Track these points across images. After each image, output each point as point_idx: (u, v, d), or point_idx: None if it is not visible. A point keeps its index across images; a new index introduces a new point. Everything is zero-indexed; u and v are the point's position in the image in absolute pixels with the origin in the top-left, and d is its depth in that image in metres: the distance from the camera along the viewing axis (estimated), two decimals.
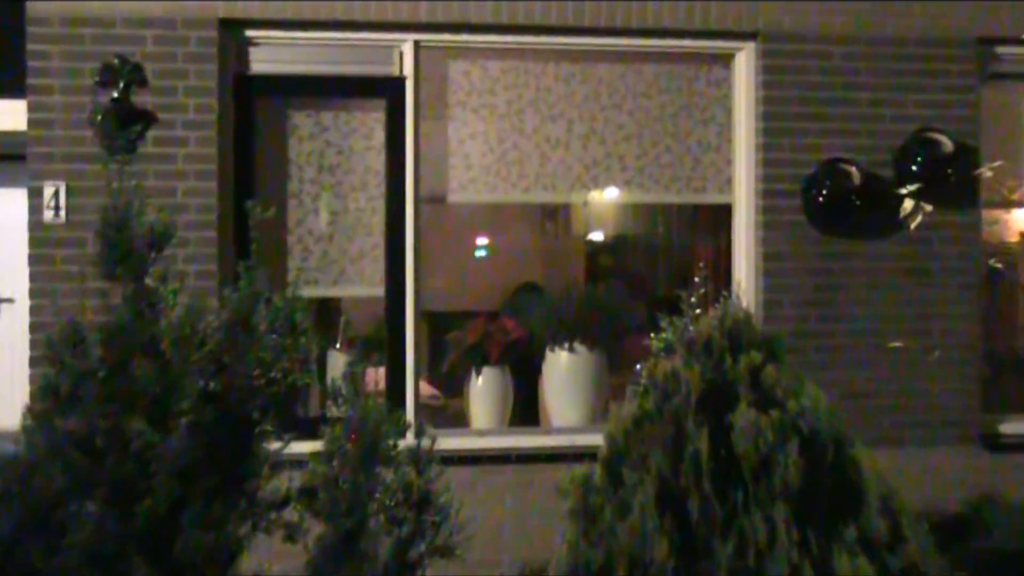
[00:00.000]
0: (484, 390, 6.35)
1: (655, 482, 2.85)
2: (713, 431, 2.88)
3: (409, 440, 3.49)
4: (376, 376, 5.90)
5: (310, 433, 3.52)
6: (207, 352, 3.34)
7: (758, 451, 2.82)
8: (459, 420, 6.42)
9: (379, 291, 6.01)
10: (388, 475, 3.34)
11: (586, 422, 6.23)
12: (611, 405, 3.21)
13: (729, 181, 6.30)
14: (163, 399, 3.29)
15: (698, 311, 4.35)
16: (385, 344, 5.96)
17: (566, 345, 6.29)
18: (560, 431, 6.15)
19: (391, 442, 3.34)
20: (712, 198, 6.35)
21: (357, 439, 3.29)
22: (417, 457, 3.39)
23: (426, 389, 6.52)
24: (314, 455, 3.40)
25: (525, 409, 6.49)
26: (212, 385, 3.34)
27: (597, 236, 8.85)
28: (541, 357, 6.38)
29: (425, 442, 3.43)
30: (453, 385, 6.59)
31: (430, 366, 6.69)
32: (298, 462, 3.47)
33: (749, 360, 2.94)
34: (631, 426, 2.94)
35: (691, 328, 4.08)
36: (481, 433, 6.14)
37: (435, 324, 6.92)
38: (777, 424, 2.85)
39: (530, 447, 5.99)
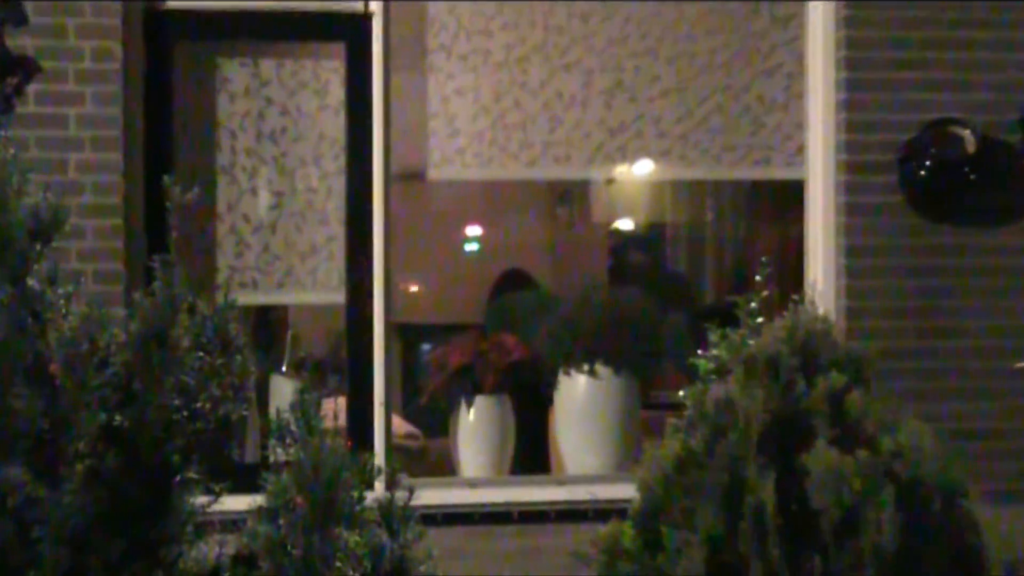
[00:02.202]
0: (477, 427, 6.36)
1: (704, 546, 2.86)
2: (781, 478, 2.89)
3: (378, 492, 3.50)
4: (335, 408, 5.90)
5: (247, 484, 3.53)
6: (110, 376, 3.34)
7: (841, 504, 2.83)
8: (444, 467, 6.42)
9: (337, 297, 6.03)
10: (351, 538, 3.35)
11: (610, 468, 6.25)
12: (645, 445, 3.23)
13: (800, 150, 6.30)
14: (51, 438, 3.29)
15: (759, 320, 4.36)
16: (346, 367, 5.96)
17: (584, 367, 6.30)
18: (577, 480, 6.15)
19: (355, 494, 3.36)
20: (778, 173, 6.36)
21: (310, 491, 3.30)
22: (389, 514, 3.41)
23: (400, 426, 6.54)
24: (254, 512, 3.41)
25: (531, 452, 6.52)
26: (117, 419, 3.34)
27: (624, 224, 8.88)
28: (551, 384, 6.40)
29: (400, 494, 3.44)
30: (436, 421, 6.61)
31: (405, 396, 6.73)
32: (232, 521, 3.47)
33: (829, 384, 2.95)
34: (673, 472, 2.96)
35: (751, 343, 4.08)
36: (473, 484, 6.15)
37: (411, 340, 6.95)
38: (867, 468, 2.86)
39: (537, 501, 6.00)
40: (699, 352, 4.58)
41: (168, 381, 3.36)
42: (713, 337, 4.42)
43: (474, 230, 9.11)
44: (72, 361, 3.28)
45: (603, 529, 3.04)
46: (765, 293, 4.47)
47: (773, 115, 6.34)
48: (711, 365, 4.37)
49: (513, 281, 7.71)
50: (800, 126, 6.31)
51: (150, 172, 5.79)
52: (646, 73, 6.29)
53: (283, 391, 6.11)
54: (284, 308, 6.58)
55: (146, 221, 5.75)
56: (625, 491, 5.94)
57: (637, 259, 8.81)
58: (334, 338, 6.17)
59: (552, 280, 8.48)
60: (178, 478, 3.37)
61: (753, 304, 4.41)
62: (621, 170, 6.61)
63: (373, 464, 3.43)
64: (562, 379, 6.38)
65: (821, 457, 2.87)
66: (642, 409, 6.42)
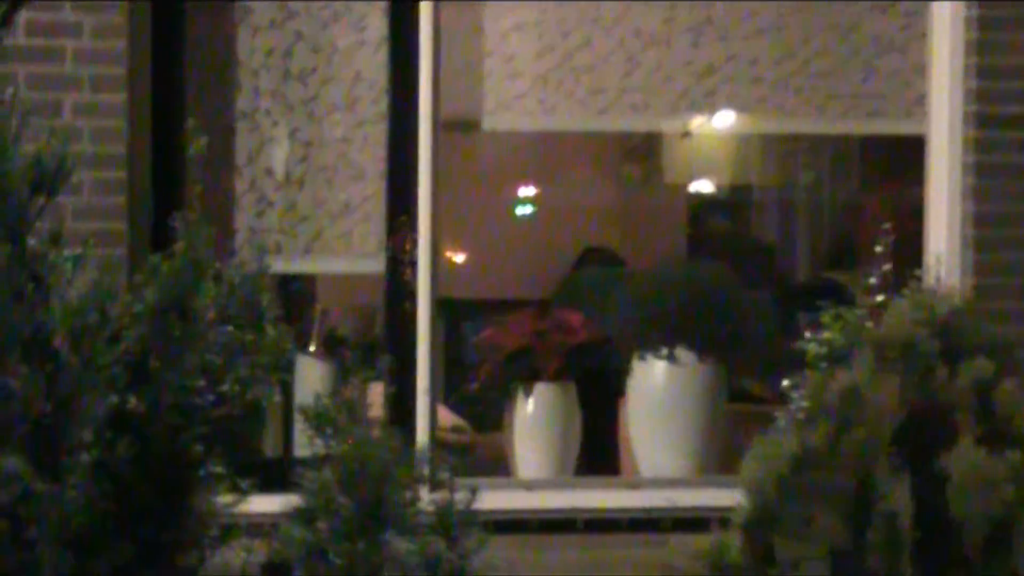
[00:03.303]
0: (536, 420, 6.34)
1: (825, 560, 2.84)
2: (917, 482, 2.87)
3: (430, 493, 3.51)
4: (370, 398, 5.92)
5: (275, 481, 3.54)
6: (122, 352, 3.35)
7: (989, 514, 2.81)
8: (496, 466, 6.42)
9: (374, 266, 6.02)
10: (402, 545, 3.35)
11: (692, 471, 6.24)
12: (754, 439, 3.21)
13: (921, 100, 6.25)
14: (52, 424, 3.31)
15: (880, 299, 4.34)
16: (384, 349, 5.95)
17: (663, 352, 6.27)
18: (653, 484, 6.15)
19: (407, 495, 3.36)
20: (893, 126, 6.32)
21: (355, 490, 3.30)
22: (447, 518, 3.40)
23: (445, 418, 6.53)
24: (287, 514, 3.42)
25: (598, 450, 6.50)
26: (129, 403, 3.35)
27: (707, 186, 8.84)
28: (624, 370, 6.38)
29: (461, 496, 3.43)
30: (487, 412, 6.60)
31: (451, 383, 6.71)
32: (258, 525, 3.48)
33: (975, 373, 2.93)
34: (788, 473, 2.94)
35: (868, 324, 4.05)
36: (530, 486, 6.13)
37: (459, 318, 6.93)
38: (1019, 472, 2.82)
39: (606, 508, 5.98)
40: (807, 334, 4.57)
41: (189, 359, 3.39)
42: (825, 318, 4.40)
43: (534, 190, 9.08)
44: (78, 334, 3.31)
45: (705, 540, 3.01)
46: (887, 267, 4.44)
47: (889, 58, 6.28)
48: (823, 350, 4.36)
49: (594, 259, 7.67)
50: (921, 71, 6.25)
51: (158, 117, 5.80)
52: (739, 7, 6.25)
53: (310, 375, 6.11)
54: (311, 278, 6.56)
55: (153, 175, 5.76)
56: (709, 497, 6.03)
57: (721, 227, 8.78)
58: (370, 315, 6.15)
59: (625, 250, 8.44)
60: (201, 472, 3.40)
61: (872, 280, 4.39)
62: (707, 121, 6.58)
63: (437, 459, 3.42)
64: (636, 365, 6.34)
65: (965, 458, 2.86)
66: (729, 400, 6.41)
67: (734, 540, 3.01)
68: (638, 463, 6.37)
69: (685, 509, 5.80)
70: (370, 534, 3.31)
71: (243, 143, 6.03)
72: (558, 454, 6.34)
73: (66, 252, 3.41)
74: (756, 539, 2.96)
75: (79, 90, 5.70)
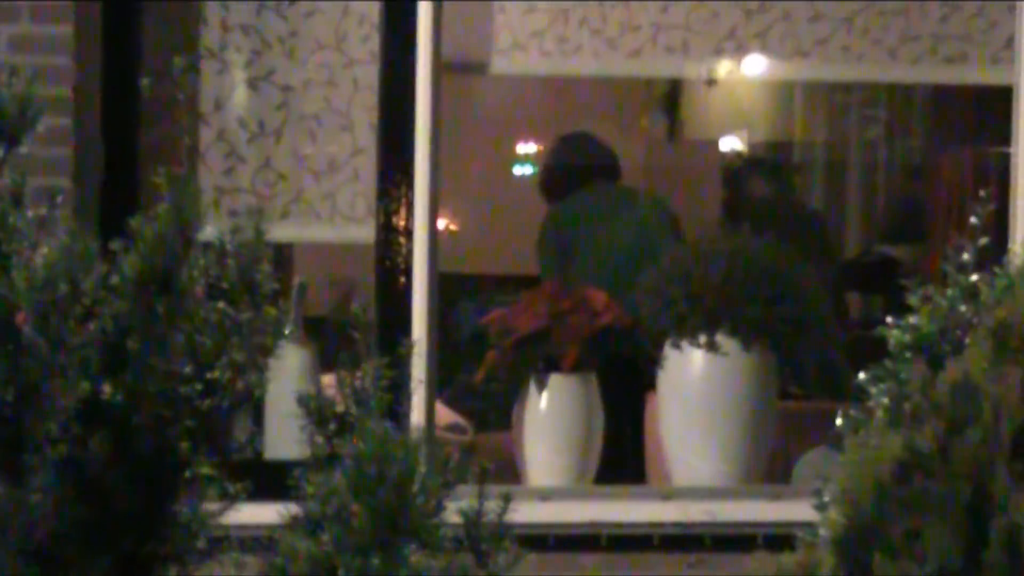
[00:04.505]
0: (551, 418, 6.36)
1: None
2: None
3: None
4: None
5: (264, 488, 3.55)
6: (97, 332, 3.36)
7: None
8: (502, 472, 6.41)
9: (363, 234, 6.06)
10: (424, 560, 3.37)
11: (736, 479, 6.27)
12: (849, 444, 3.23)
13: (1009, 44, 6.28)
14: (14, 416, 3.32)
15: (974, 278, 4.35)
16: (373, 331, 5.97)
17: (702, 339, 6.28)
18: (690, 494, 6.18)
19: (430, 502, 3.37)
20: (976, 75, 6.39)
21: (371, 495, 3.32)
22: (475, 530, 3.42)
23: (442, 414, 6.54)
24: (287, 523, 3.43)
25: (623, 453, 6.54)
26: (105, 391, 3.36)
27: (748, 143, 8.88)
28: (655, 360, 6.38)
29: (491, 505, 3.44)
30: (491, 408, 6.62)
31: (447, 373, 6.72)
32: (253, 539, 3.49)
33: None
34: (891, 481, 2.95)
35: (963, 308, 4.07)
36: (546, 495, 6.16)
37: (462, 296, 6.95)
38: None
39: (635, 522, 6.02)
40: (888, 320, 4.58)
41: (175, 340, 3.39)
42: (913, 300, 4.41)
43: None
44: (45, 311, 3.31)
45: (792, 557, 3.04)
46: (984, 241, 4.45)
47: None
48: (905, 337, 4.36)
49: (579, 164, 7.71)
50: (1010, 9, 6.28)
51: (109, 54, 5.80)
52: None
53: (288, 363, 6.11)
54: (288, 247, 6.57)
55: (103, 121, 5.78)
56: (756, 510, 6.08)
57: (765, 191, 8.78)
58: (346, 289, 6.17)
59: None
60: (187, 474, 3.41)
61: (966, 256, 4.39)
62: (750, 66, 6.59)
63: (479, 463, 3.44)
64: (670, 354, 6.33)
65: None
66: (780, 396, 6.47)
67: (826, 558, 3.03)
68: (670, 470, 6.38)
69: (728, 524, 5.84)
70: (387, 547, 3.32)
71: (209, 87, 6.06)
72: (577, 458, 6.34)
73: (30, 214, 3.42)
74: (852, 557, 2.97)
75: (16, 21, 5.71)
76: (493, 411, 6.62)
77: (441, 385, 7.13)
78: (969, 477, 2.88)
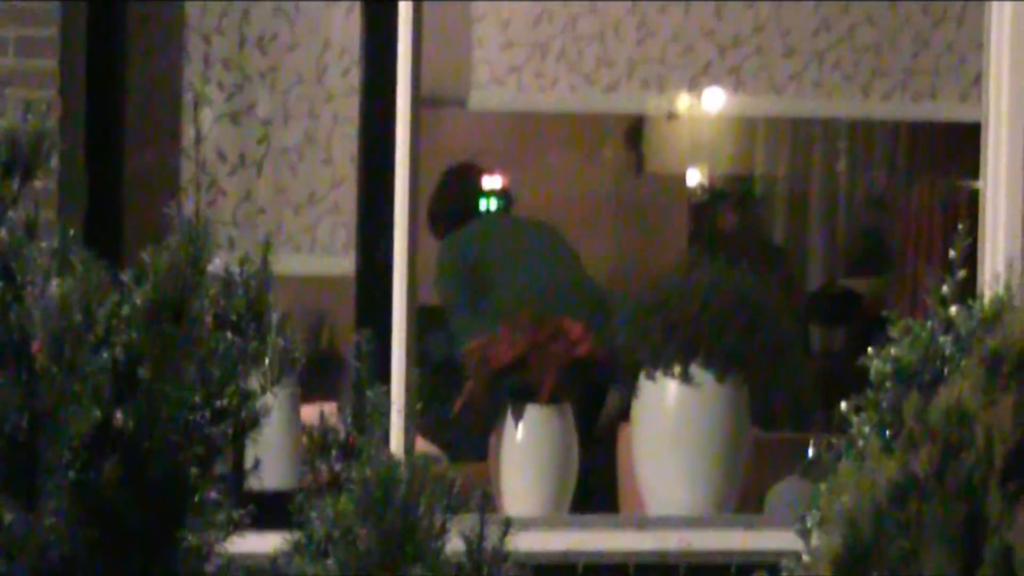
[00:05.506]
0: (527, 448, 6.37)
1: None
2: None
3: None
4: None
5: (263, 517, 3.57)
6: (108, 360, 3.39)
7: None
8: (478, 502, 6.43)
9: (343, 266, 6.08)
10: None
11: (711, 507, 6.28)
12: (843, 469, 3.28)
13: (978, 80, 6.33)
14: (28, 442, 3.33)
15: (953, 310, 4.43)
16: (339, 363, 5.99)
17: (676, 370, 6.32)
18: (665, 524, 6.19)
19: (436, 524, 3.41)
20: (946, 111, 6.41)
21: (378, 518, 3.35)
22: (479, 556, 3.45)
23: (420, 445, 6.54)
24: (291, 548, 3.46)
25: (599, 483, 6.55)
26: (117, 418, 3.40)
27: (714, 176, 8.89)
28: (628, 390, 6.43)
29: (495, 531, 3.47)
30: (466, 439, 6.61)
31: (426, 403, 6.71)
32: (261, 570, 3.52)
33: None
34: (888, 504, 3.00)
35: (944, 339, 4.16)
36: (522, 524, 6.10)
37: (439, 327, 6.96)
38: None
39: (610, 551, 6.03)
40: (869, 350, 4.64)
41: (186, 369, 3.42)
42: (894, 331, 4.49)
43: (528, 176, 9.03)
44: (59, 339, 3.32)
45: None
46: (963, 273, 4.52)
47: (941, 30, 6.34)
48: (887, 367, 4.43)
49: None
50: (979, 46, 6.31)
51: (93, 89, 5.79)
52: None
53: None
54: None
55: (87, 150, 5.79)
56: (730, 539, 6.09)
57: (727, 223, 8.80)
58: (333, 323, 6.18)
59: (620, 248, 8.47)
60: (197, 498, 3.43)
61: (945, 288, 4.46)
62: (721, 100, 6.62)
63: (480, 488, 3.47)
64: (644, 384, 6.37)
65: None
66: (753, 426, 6.48)
67: None
68: (645, 499, 6.39)
69: (702, 553, 5.87)
70: (394, 570, 3.35)
71: (191, 119, 6.04)
72: (552, 488, 6.34)
73: (44, 244, 3.45)
74: None
75: (3, 54, 5.72)
76: (467, 441, 6.62)
77: (426, 416, 7.16)
78: (964, 499, 2.91)
